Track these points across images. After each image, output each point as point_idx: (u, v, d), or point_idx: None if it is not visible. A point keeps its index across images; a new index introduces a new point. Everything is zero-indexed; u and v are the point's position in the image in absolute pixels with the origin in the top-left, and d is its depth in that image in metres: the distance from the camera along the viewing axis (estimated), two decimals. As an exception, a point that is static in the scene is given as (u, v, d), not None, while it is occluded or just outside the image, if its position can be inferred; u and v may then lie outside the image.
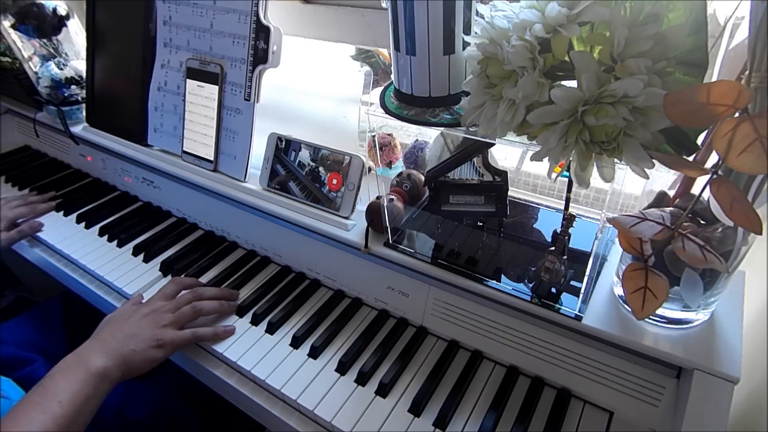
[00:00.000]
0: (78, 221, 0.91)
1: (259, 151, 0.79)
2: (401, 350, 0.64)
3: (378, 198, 0.66)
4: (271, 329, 0.68)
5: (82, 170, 1.08)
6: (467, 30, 0.49)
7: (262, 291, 0.74)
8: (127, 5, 0.90)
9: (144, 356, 0.61)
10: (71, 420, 0.52)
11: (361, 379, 0.60)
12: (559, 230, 0.56)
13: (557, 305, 0.56)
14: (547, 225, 0.69)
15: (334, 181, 0.72)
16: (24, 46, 0.99)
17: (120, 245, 0.85)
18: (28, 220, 0.90)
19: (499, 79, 0.43)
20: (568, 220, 0.55)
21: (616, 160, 0.40)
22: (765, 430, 0.53)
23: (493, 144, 0.56)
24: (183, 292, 0.71)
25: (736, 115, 0.34)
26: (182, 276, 0.77)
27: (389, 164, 0.84)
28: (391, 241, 0.67)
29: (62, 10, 0.98)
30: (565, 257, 0.57)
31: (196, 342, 0.66)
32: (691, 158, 0.41)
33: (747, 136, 0.32)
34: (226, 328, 0.68)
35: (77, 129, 1.01)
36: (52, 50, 1.00)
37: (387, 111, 0.55)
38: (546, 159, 0.41)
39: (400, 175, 0.71)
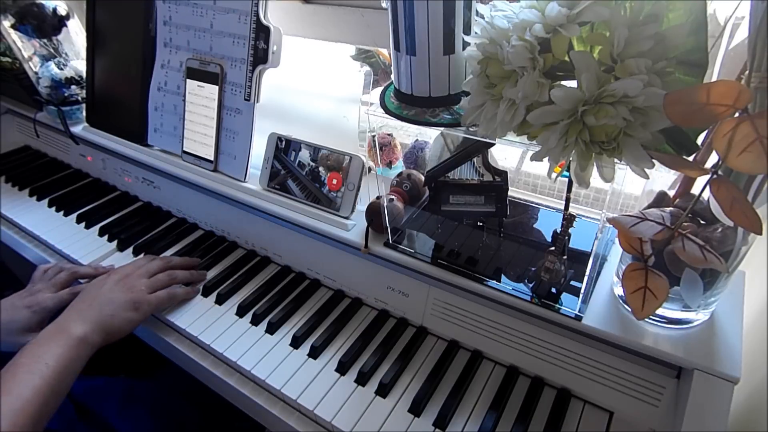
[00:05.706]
0: (78, 221, 0.91)
1: (259, 151, 0.79)
2: (401, 350, 0.64)
3: (378, 198, 0.66)
4: (271, 329, 0.68)
5: (82, 170, 1.08)
6: (467, 30, 0.49)
7: (262, 291, 0.74)
8: (127, 5, 0.90)
9: (121, 319, 0.64)
10: (58, 380, 0.55)
11: (361, 379, 0.60)
12: (559, 230, 0.56)
13: (557, 305, 0.56)
14: (547, 225, 0.69)
15: (334, 181, 0.72)
16: (24, 46, 0.99)
17: (120, 245, 0.85)
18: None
19: (499, 79, 0.43)
20: (568, 220, 0.55)
21: (616, 160, 0.40)
22: (765, 430, 0.53)
23: (493, 144, 0.56)
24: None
25: (736, 115, 0.34)
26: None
27: (389, 164, 0.84)
28: (391, 241, 0.67)
29: (62, 10, 0.98)
30: (565, 257, 0.57)
31: (171, 302, 0.70)
32: (691, 158, 0.41)
33: (747, 136, 0.32)
34: (194, 287, 0.74)
35: (77, 129, 1.01)
36: (52, 50, 1.00)
37: (387, 111, 0.55)
38: (546, 159, 0.41)
39: (400, 175, 0.71)
